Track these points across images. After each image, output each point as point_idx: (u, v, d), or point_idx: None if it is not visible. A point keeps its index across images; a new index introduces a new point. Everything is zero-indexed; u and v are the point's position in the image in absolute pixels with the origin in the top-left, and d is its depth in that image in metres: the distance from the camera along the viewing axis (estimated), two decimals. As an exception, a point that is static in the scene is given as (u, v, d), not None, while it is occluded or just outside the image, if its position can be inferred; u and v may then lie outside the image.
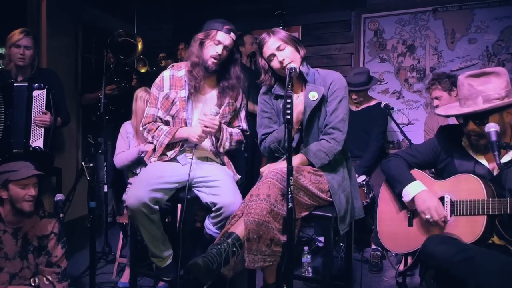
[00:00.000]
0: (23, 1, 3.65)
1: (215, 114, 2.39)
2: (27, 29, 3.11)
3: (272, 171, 2.06)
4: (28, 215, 2.31)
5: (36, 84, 2.98)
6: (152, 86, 2.59)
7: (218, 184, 2.35)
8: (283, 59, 2.17)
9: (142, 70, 3.84)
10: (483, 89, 1.94)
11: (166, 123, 2.55)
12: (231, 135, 2.52)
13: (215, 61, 2.43)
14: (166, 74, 2.56)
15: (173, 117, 2.52)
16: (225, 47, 2.44)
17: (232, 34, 2.46)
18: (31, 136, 2.96)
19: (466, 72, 2.04)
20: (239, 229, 1.95)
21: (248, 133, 2.68)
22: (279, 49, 2.19)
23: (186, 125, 2.49)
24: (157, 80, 2.57)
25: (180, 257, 2.31)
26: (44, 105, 3.01)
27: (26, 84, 2.97)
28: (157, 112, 2.55)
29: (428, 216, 2.01)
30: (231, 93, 2.53)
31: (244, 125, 2.66)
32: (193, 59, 2.46)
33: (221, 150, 2.50)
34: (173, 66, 2.61)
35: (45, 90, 3.01)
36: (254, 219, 1.91)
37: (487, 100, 1.92)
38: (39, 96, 3.00)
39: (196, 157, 2.51)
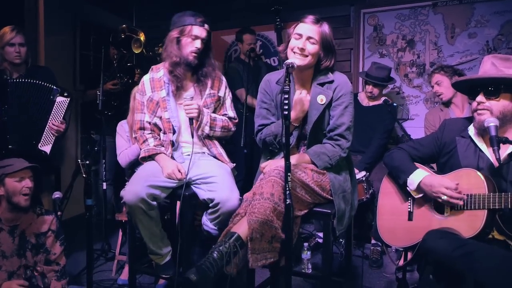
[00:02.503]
0: (21, -2, 3.62)
1: (190, 98, 2.42)
2: (16, 26, 3.07)
3: (276, 169, 2.03)
4: (24, 210, 2.30)
5: (65, 92, 2.98)
6: (136, 92, 2.64)
7: (215, 180, 2.34)
8: (303, 49, 2.10)
9: (137, 51, 3.82)
10: (505, 71, 1.94)
11: (156, 125, 2.57)
12: (214, 120, 2.53)
13: (195, 55, 2.46)
14: (145, 78, 2.60)
15: (160, 118, 2.55)
16: (202, 40, 2.46)
17: (206, 25, 2.48)
18: (42, 140, 2.94)
19: (492, 54, 2.05)
20: (241, 228, 1.93)
21: (236, 121, 2.68)
22: (310, 40, 2.12)
23: (171, 124, 2.52)
24: (139, 85, 2.62)
25: (178, 254, 2.30)
26: (64, 113, 3.00)
27: (55, 87, 2.96)
28: (144, 117, 2.58)
29: (444, 198, 1.96)
30: (206, 81, 2.54)
31: (231, 113, 2.66)
32: (174, 59, 2.47)
33: (200, 133, 2.49)
34: (152, 69, 2.63)
35: (69, 99, 3.00)
36: (257, 218, 1.89)
37: None
38: (61, 103, 2.98)
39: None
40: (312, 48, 2.12)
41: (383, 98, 3.58)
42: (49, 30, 3.79)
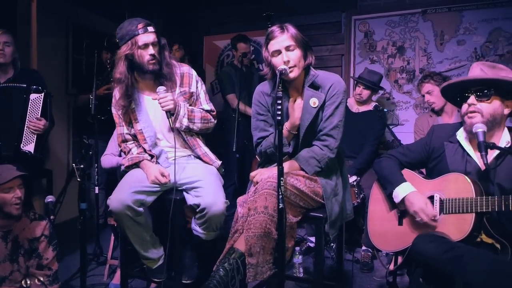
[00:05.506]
0: (13, 1, 3.62)
1: (164, 90, 2.36)
2: (6, 29, 3.06)
3: (268, 181, 2.03)
4: (17, 219, 2.28)
5: (34, 87, 2.92)
6: (112, 107, 2.58)
7: (200, 185, 2.34)
8: (288, 61, 2.08)
9: None
10: (493, 76, 1.98)
11: (135, 137, 2.54)
12: (192, 111, 2.46)
13: (153, 61, 2.38)
14: (116, 91, 2.53)
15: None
16: (152, 44, 2.38)
17: (149, 28, 2.37)
18: (23, 140, 2.90)
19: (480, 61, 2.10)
20: (241, 245, 1.97)
21: (214, 113, 2.60)
22: (289, 49, 2.09)
23: (143, 135, 2.48)
24: (113, 100, 2.55)
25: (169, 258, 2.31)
26: (40, 109, 2.94)
27: (25, 85, 2.90)
28: (123, 130, 2.56)
29: (418, 219, 2.03)
30: (170, 83, 2.46)
31: (207, 107, 2.58)
32: (117, 76, 2.40)
33: (178, 126, 2.43)
34: None
35: (42, 94, 2.94)
36: (254, 233, 1.92)
37: None
38: (36, 99, 2.94)
39: (177, 156, 2.49)
40: (294, 54, 2.11)
41: (373, 104, 3.63)
42: (41, 34, 3.79)
